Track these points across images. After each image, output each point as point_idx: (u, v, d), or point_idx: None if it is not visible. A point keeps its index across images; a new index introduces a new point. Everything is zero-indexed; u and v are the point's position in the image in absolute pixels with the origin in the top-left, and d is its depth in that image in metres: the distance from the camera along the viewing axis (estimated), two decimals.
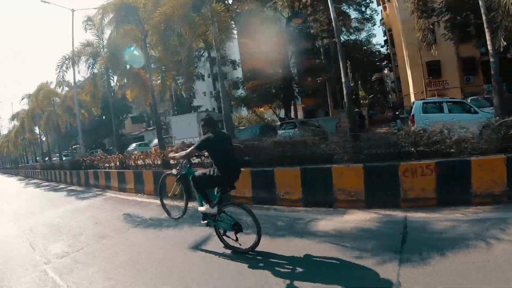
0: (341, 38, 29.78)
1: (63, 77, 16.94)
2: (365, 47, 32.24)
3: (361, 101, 32.42)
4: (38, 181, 21.33)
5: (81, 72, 19.28)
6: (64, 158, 26.20)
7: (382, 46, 37.31)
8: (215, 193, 4.30)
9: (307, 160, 6.33)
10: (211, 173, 4.17)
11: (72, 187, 14.66)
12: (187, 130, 22.65)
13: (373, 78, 44.85)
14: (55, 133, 23.93)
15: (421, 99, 15.12)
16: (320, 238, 4.42)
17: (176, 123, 23.71)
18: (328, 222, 5.00)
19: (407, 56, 26.57)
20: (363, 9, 31.25)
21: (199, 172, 4.44)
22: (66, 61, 16.46)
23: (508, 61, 22.36)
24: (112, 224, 6.74)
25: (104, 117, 36.29)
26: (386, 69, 44.10)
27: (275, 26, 25.11)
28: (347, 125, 12.06)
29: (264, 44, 24.64)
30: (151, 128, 38.02)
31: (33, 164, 30.53)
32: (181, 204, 5.20)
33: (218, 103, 38.73)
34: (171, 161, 9.63)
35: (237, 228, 4.08)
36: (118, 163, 11.86)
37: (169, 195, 5.12)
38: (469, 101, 14.71)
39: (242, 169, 4.47)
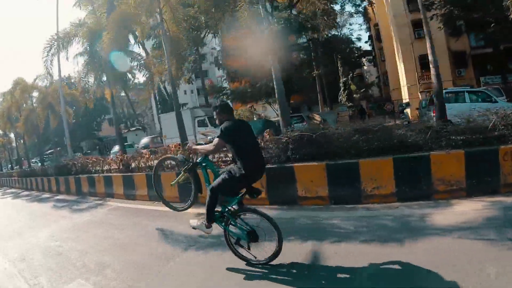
0: (327, 33, 29.38)
1: (51, 62, 14.34)
2: (352, 44, 31.58)
3: (353, 95, 31.93)
4: (15, 191, 18.58)
5: (70, 59, 17.07)
6: (39, 164, 23.42)
7: (366, 42, 36.95)
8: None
9: (390, 150, 5.40)
10: (232, 173, 3.42)
11: (60, 197, 12.45)
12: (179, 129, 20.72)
13: (354, 74, 44.66)
14: (34, 135, 21.07)
15: (444, 89, 14.61)
16: (455, 234, 3.69)
17: (166, 121, 21.72)
18: (444, 216, 4.32)
19: (399, 50, 26.25)
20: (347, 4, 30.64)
21: (216, 180, 3.57)
22: (55, 43, 13.85)
23: (502, 52, 22.68)
24: (146, 247, 4.93)
25: (80, 119, 33.32)
26: (365, 64, 43.91)
27: (261, 22, 23.95)
28: (347, 118, 11.10)
29: (250, 39, 23.35)
30: (133, 128, 35.45)
31: (9, 171, 27.04)
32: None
33: (200, 100, 36.89)
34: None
35: (253, 237, 3.46)
36: (121, 166, 9.94)
37: (172, 184, 4.23)
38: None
39: (310, 163, 4.08)
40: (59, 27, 14.55)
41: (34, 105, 19.99)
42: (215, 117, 3.60)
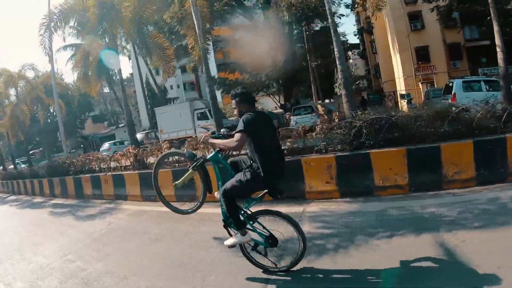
0: (317, 25, 28.55)
1: (50, 38, 12.10)
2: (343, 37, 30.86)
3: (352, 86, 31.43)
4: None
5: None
6: (22, 165, 21.07)
7: (355, 35, 36.41)
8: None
9: (465, 134, 5.06)
10: (249, 175, 2.94)
11: (56, 201, 10.70)
12: (177, 122, 19.15)
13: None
14: (20, 132, 18.62)
15: (460, 78, 14.52)
16: None
17: (162, 114, 20.06)
18: None
19: (394, 42, 25.77)
20: None
21: (230, 181, 3.08)
22: (55, 18, 11.74)
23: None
24: (222, 266, 3.55)
25: (64, 118, 30.71)
26: (351, 58, 43.44)
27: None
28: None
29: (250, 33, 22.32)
30: (122, 125, 33.09)
31: None
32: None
33: (188, 95, 35.15)
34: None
35: (273, 242, 3.10)
36: (134, 162, 8.44)
37: (177, 184, 3.53)
38: (461, 82, 14.08)
39: (388, 149, 4.13)
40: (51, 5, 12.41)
41: (20, 97, 17.51)
42: (234, 106, 3.10)
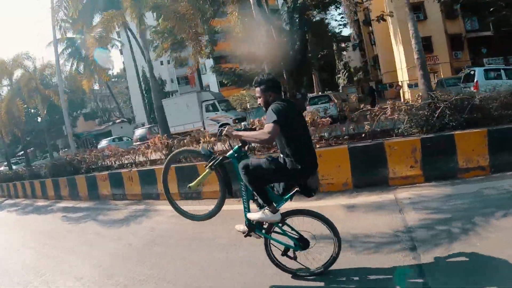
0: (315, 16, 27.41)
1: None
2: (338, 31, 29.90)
3: (353, 77, 30.76)
4: None
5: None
6: (14, 166, 18.90)
7: (342, 25, 35.37)
8: (279, 192, 2.70)
9: None
10: (282, 163, 2.53)
11: (65, 203, 9.07)
12: (184, 115, 17.59)
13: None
14: (16, 128, 16.37)
15: (482, 67, 14.28)
16: None
17: (168, 107, 18.40)
18: None
19: (397, 33, 24.95)
20: None
21: (256, 159, 2.66)
22: None
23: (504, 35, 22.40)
24: None
25: (56, 116, 28.22)
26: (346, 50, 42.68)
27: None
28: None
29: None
30: (118, 120, 30.97)
31: None
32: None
33: (182, 89, 33.36)
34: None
35: (304, 244, 2.69)
36: (168, 154, 6.97)
37: (191, 186, 2.89)
38: (482, 70, 14.20)
39: (470, 130, 4.16)
40: None
41: (16, 89, 15.22)
42: (258, 95, 2.66)
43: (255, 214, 2.68)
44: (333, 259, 2.71)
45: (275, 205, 2.62)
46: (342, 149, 5.08)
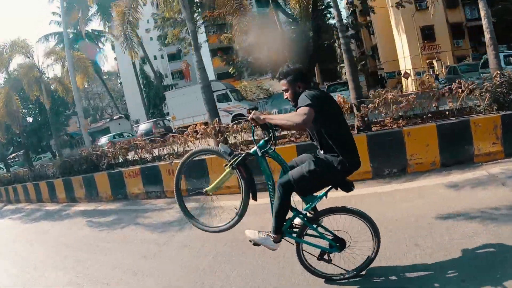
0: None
1: None
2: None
3: (357, 66, 29.85)
4: None
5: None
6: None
7: (347, 17, 34.41)
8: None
9: None
10: (329, 162, 2.16)
11: (82, 207, 7.44)
12: (193, 106, 16.00)
13: None
14: (16, 124, 14.13)
15: (501, 52, 13.62)
16: None
17: (174, 99, 16.81)
18: None
19: (399, 22, 24.20)
20: None
21: (297, 170, 2.23)
22: None
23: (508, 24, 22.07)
24: None
25: (48, 116, 25.84)
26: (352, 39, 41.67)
27: None
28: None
29: None
30: (116, 117, 28.77)
31: None
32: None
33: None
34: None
35: (340, 245, 2.34)
36: (219, 141, 5.55)
37: (208, 190, 2.44)
38: (503, 56, 13.63)
39: None
40: None
41: (14, 78, 12.97)
42: (284, 88, 2.26)
43: (254, 234, 2.36)
44: (372, 257, 2.38)
45: (280, 237, 2.34)
46: (430, 127, 4.70)
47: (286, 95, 2.28)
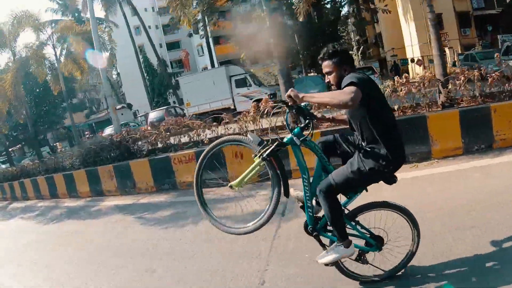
0: None
1: None
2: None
3: (366, 54, 28.86)
4: None
5: None
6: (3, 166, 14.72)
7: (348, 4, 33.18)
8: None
9: None
10: (380, 155, 1.82)
11: (116, 201, 5.94)
12: (209, 92, 14.42)
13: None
14: (23, 112, 12.16)
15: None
16: None
17: (188, 84, 15.20)
18: None
19: (408, 9, 23.35)
20: None
21: (340, 171, 1.90)
22: None
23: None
24: None
25: (45, 108, 23.56)
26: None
27: None
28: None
29: None
30: (119, 107, 26.56)
31: None
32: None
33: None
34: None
35: (379, 243, 2.05)
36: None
37: (233, 185, 1.94)
38: None
39: None
40: None
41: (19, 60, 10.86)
42: (328, 70, 1.91)
43: (327, 257, 1.97)
44: (411, 255, 2.07)
45: (349, 239, 1.97)
46: None
47: (329, 78, 1.95)
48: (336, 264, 2.04)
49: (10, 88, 10.23)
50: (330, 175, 1.91)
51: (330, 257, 1.97)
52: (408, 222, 2.03)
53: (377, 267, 2.10)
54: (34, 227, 5.85)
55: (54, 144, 23.53)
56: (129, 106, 24.64)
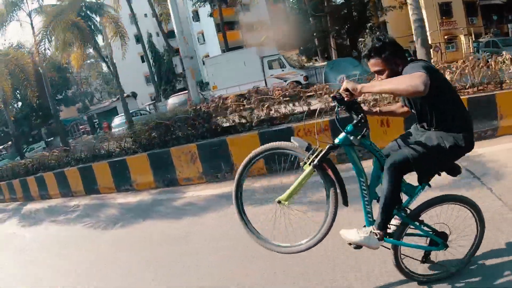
0: None
1: None
2: None
3: None
4: None
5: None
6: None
7: None
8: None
9: None
10: (445, 145, 1.56)
11: (155, 194, 4.11)
12: (240, 74, 12.59)
13: None
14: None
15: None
16: None
17: (215, 66, 13.31)
18: None
19: None
20: None
21: (415, 148, 1.59)
22: None
23: None
24: None
25: (38, 101, 20.61)
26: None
27: None
28: None
29: None
30: (115, 99, 23.88)
31: None
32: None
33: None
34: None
35: (445, 239, 1.76)
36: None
37: (282, 200, 1.63)
38: None
39: None
40: None
41: None
42: (377, 68, 1.57)
43: (355, 237, 1.66)
44: (476, 247, 1.81)
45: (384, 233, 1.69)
46: None
47: (380, 78, 1.59)
48: (403, 270, 1.75)
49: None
50: (405, 149, 1.61)
51: (358, 239, 1.65)
52: (472, 212, 1.74)
53: (442, 265, 1.80)
54: (93, 235, 3.85)
55: (47, 140, 20.54)
56: (134, 95, 22.12)
